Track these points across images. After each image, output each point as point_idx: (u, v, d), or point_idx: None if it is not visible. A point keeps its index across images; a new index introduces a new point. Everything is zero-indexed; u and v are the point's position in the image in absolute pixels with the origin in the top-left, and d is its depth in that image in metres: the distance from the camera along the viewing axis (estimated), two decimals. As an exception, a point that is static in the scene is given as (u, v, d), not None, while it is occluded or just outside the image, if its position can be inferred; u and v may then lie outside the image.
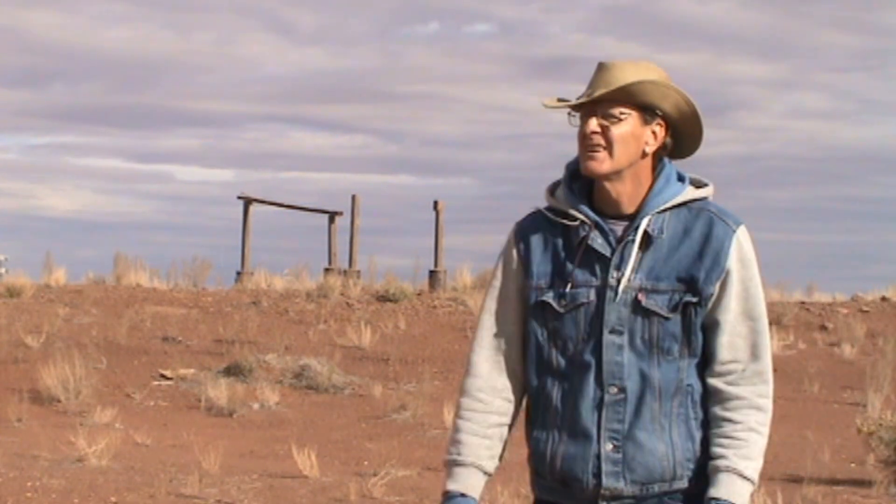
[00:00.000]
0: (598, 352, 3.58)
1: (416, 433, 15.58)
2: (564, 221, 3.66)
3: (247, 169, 62.13)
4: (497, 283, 3.75)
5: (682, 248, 3.61)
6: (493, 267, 3.79)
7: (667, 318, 3.57)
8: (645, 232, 3.60)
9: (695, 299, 3.58)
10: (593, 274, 3.61)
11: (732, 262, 3.60)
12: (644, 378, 3.57)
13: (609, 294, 3.58)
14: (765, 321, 3.66)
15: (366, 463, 13.31)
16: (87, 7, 66.05)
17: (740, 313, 3.61)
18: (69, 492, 10.91)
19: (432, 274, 28.43)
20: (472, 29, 67.89)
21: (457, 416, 3.73)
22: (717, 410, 3.61)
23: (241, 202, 31.43)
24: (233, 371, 18.40)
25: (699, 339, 3.61)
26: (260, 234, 35.32)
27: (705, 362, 3.63)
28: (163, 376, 18.49)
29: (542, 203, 3.76)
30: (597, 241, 3.61)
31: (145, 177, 61.60)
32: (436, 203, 30.20)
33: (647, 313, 3.57)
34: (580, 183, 3.69)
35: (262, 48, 65.51)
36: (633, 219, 3.62)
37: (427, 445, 14.71)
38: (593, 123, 3.59)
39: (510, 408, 3.73)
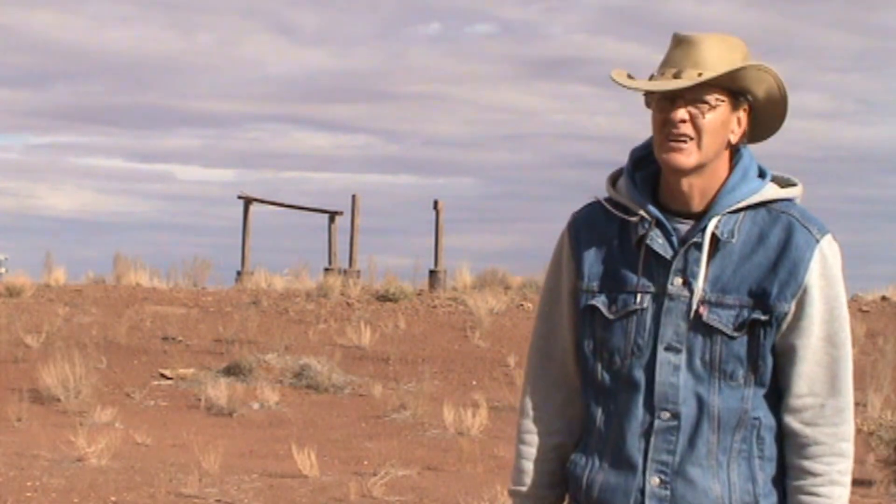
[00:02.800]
0: (650, 370, 3.12)
1: (416, 433, 15.57)
2: (623, 216, 3.20)
3: (247, 169, 62.13)
4: (550, 283, 3.33)
5: (755, 256, 3.11)
6: (548, 266, 3.37)
7: (731, 338, 3.09)
8: (712, 235, 3.12)
9: (765, 317, 3.08)
10: (650, 278, 3.14)
11: (813, 278, 3.09)
12: (702, 404, 3.09)
13: (667, 304, 3.12)
14: (849, 349, 3.14)
15: (365, 462, 13.31)
16: (89, 7, 66.08)
17: (822, 338, 3.11)
18: (69, 491, 10.91)
19: (432, 274, 28.44)
20: (473, 29, 67.91)
21: (518, 440, 3.33)
22: (794, 457, 3.13)
23: (241, 202, 31.44)
24: (233, 371, 18.39)
25: (768, 364, 3.11)
26: (260, 234, 35.36)
27: (778, 395, 3.14)
28: (163, 376, 18.48)
29: (601, 193, 3.31)
30: (657, 241, 3.14)
31: (146, 176, 61.60)
32: (436, 203, 30.20)
33: (708, 330, 3.10)
34: (644, 173, 3.23)
35: (263, 48, 65.51)
36: (701, 218, 3.14)
37: (427, 445, 14.71)
38: (682, 112, 3.09)
39: (571, 426, 3.29)
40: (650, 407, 3.12)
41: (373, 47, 64.77)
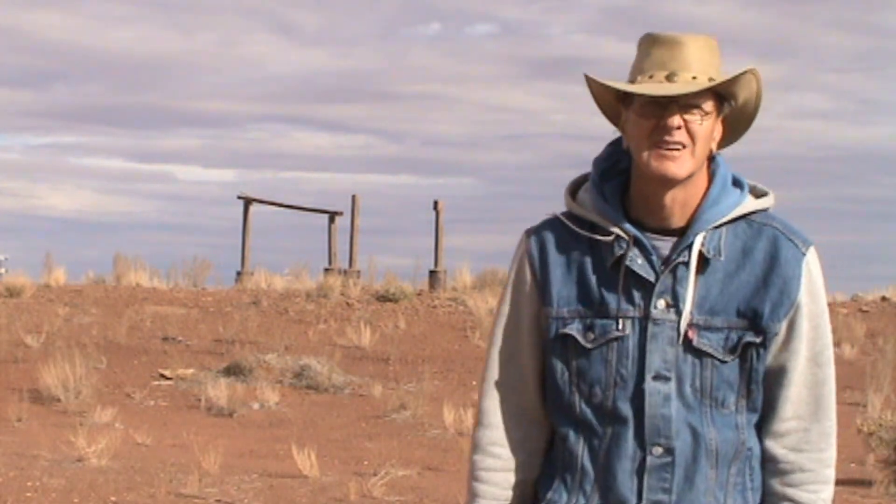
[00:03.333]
0: (637, 401, 2.88)
1: (416, 433, 15.57)
2: (593, 235, 2.96)
3: (247, 169, 62.14)
4: (507, 308, 3.04)
5: (741, 273, 2.91)
6: (503, 290, 3.08)
7: (723, 362, 2.89)
8: (700, 253, 2.90)
9: (757, 339, 2.89)
10: (631, 302, 2.91)
11: (803, 295, 2.93)
12: (696, 437, 2.89)
13: (651, 329, 2.89)
14: (832, 369, 2.98)
15: (366, 463, 13.31)
16: (89, 7, 66.08)
17: (808, 358, 2.94)
18: (69, 491, 10.91)
19: (432, 274, 28.44)
20: (474, 29, 67.91)
21: (472, 477, 3.05)
22: (777, 485, 2.96)
23: (241, 202, 31.45)
24: (233, 371, 18.39)
25: (761, 389, 2.93)
26: (260, 234, 35.36)
27: (761, 419, 2.97)
28: (163, 376, 18.48)
29: (559, 207, 3.06)
30: (636, 262, 2.91)
31: (146, 177, 61.58)
32: (436, 203, 30.21)
33: (698, 355, 2.89)
34: (611, 185, 2.99)
35: (263, 48, 65.52)
36: (683, 234, 2.91)
37: (427, 445, 14.71)
38: (678, 118, 2.87)
39: (534, 462, 3.04)
40: (641, 442, 2.88)
41: (373, 47, 64.79)
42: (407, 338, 22.02)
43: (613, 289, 2.92)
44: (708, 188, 2.95)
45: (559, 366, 2.96)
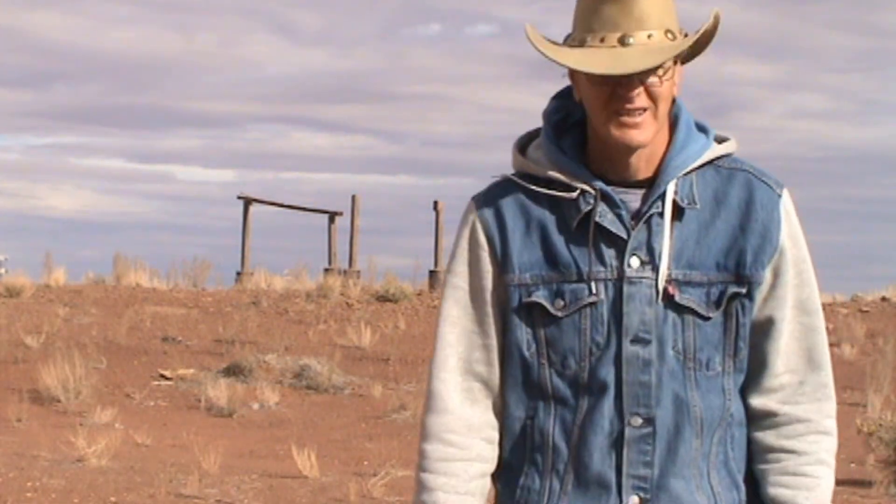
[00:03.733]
0: (616, 369, 2.66)
1: (416, 433, 15.53)
2: (554, 193, 2.71)
3: (247, 169, 62.14)
4: (459, 280, 2.77)
5: (716, 221, 2.70)
6: (450, 258, 2.81)
7: (705, 318, 2.68)
8: (674, 202, 2.69)
9: (742, 289, 2.68)
10: (602, 262, 2.68)
11: (784, 239, 2.71)
12: (680, 404, 2.67)
13: (627, 289, 2.66)
14: (822, 318, 2.79)
15: (366, 463, 13.31)
16: (90, 8, 66.11)
17: (794, 307, 2.73)
18: (69, 492, 10.91)
19: (432, 274, 28.42)
20: (474, 30, 67.96)
21: (423, 468, 2.74)
22: (772, 438, 2.73)
23: (241, 202, 31.45)
24: (233, 371, 18.39)
25: (747, 346, 2.72)
26: (260, 234, 35.38)
27: (748, 377, 2.75)
28: (162, 376, 18.49)
29: (507, 168, 2.81)
30: (606, 218, 2.68)
31: (146, 177, 61.59)
32: (436, 203, 30.21)
33: (680, 313, 2.67)
34: (568, 139, 2.76)
35: (263, 48, 65.54)
36: (651, 185, 2.70)
37: (427, 445, 14.70)
38: (636, 85, 2.64)
39: (494, 451, 2.77)
40: (619, 412, 2.66)
41: (373, 48, 64.82)
42: (407, 338, 22.02)
43: (582, 249, 2.68)
44: (672, 135, 2.73)
45: (525, 338, 2.71)
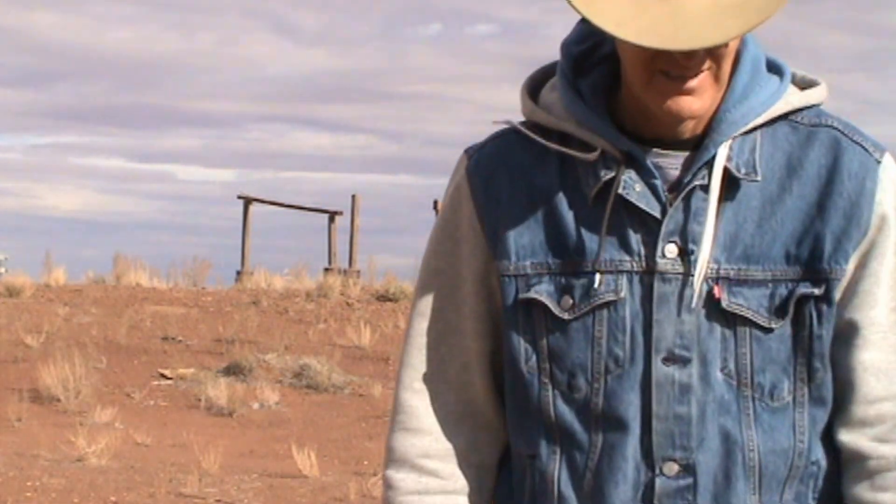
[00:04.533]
0: (643, 396, 1.99)
1: (416, 433, 15.57)
2: (567, 150, 2.02)
3: (247, 169, 62.20)
4: (440, 262, 2.12)
5: (787, 197, 2.00)
6: (432, 231, 2.15)
7: (767, 330, 1.98)
8: (726, 171, 1.99)
9: (817, 290, 1.98)
10: (626, 249, 2.00)
11: (878, 218, 2.00)
12: (731, 446, 1.99)
13: (658, 287, 1.98)
14: None
15: (366, 463, 13.31)
16: (91, 8, 66.17)
17: (893, 310, 2.02)
18: (69, 491, 10.91)
19: (432, 274, 28.41)
20: (474, 29, 68.03)
21: (392, 502, 2.23)
22: (864, 491, 2.02)
23: (241, 202, 31.45)
24: (233, 371, 18.39)
25: (827, 366, 2.02)
26: (260, 233, 35.41)
27: (833, 406, 2.05)
28: (163, 376, 18.48)
29: (515, 116, 2.13)
30: (633, 190, 1.99)
31: (146, 176, 61.65)
32: (436, 203, 30.19)
33: (731, 323, 1.98)
34: (591, 80, 2.04)
35: (263, 48, 65.63)
36: (698, 146, 2.00)
37: (427, 445, 14.71)
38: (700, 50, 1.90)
39: (484, 481, 2.15)
40: (647, 456, 1.99)
41: (373, 47, 64.87)
42: (407, 338, 22.01)
43: (599, 230, 2.01)
44: (732, 76, 2.00)
45: (522, 346, 2.05)
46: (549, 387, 2.05)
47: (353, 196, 31.22)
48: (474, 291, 2.11)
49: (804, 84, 2.10)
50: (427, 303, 2.13)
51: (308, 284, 26.70)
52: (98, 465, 12.16)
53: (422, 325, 2.14)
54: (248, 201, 31.36)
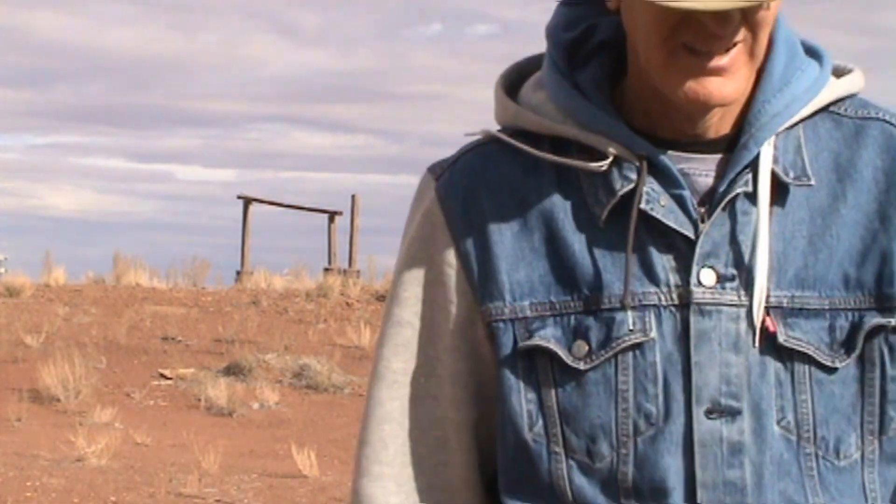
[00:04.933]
0: (685, 459, 1.61)
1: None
2: (569, 161, 1.64)
3: (247, 169, 62.23)
4: (405, 313, 1.72)
5: (841, 206, 1.65)
6: (395, 274, 1.74)
7: (830, 370, 1.62)
8: (773, 175, 1.63)
9: (890, 319, 1.64)
10: (651, 278, 1.63)
11: None
12: None
13: (699, 324, 1.61)
14: None
15: (365, 463, 13.32)
16: (91, 8, 66.21)
17: None
18: (69, 491, 10.91)
19: (432, 274, 28.42)
20: (474, 30, 68.05)
21: None
22: None
23: (241, 202, 31.46)
24: (232, 371, 18.40)
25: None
26: (260, 233, 35.42)
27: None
28: (162, 376, 18.49)
29: (491, 124, 1.74)
30: (657, 204, 1.62)
31: (146, 176, 61.70)
32: (436, 203, 30.20)
33: (788, 362, 1.62)
34: (589, 72, 1.68)
35: (264, 48, 65.68)
36: (731, 146, 1.64)
37: (427, 445, 14.71)
38: (736, 14, 1.54)
39: None
40: None
41: (373, 47, 64.92)
42: (407, 338, 22.02)
43: (617, 256, 1.63)
44: (766, 59, 1.64)
45: (524, 408, 1.65)
46: (563, 456, 1.65)
47: (353, 196, 31.24)
48: (452, 347, 1.69)
49: (839, 71, 1.74)
50: (389, 364, 1.71)
51: (308, 284, 26.71)
52: (98, 465, 12.16)
53: (381, 393, 1.71)
54: (247, 201, 31.36)
